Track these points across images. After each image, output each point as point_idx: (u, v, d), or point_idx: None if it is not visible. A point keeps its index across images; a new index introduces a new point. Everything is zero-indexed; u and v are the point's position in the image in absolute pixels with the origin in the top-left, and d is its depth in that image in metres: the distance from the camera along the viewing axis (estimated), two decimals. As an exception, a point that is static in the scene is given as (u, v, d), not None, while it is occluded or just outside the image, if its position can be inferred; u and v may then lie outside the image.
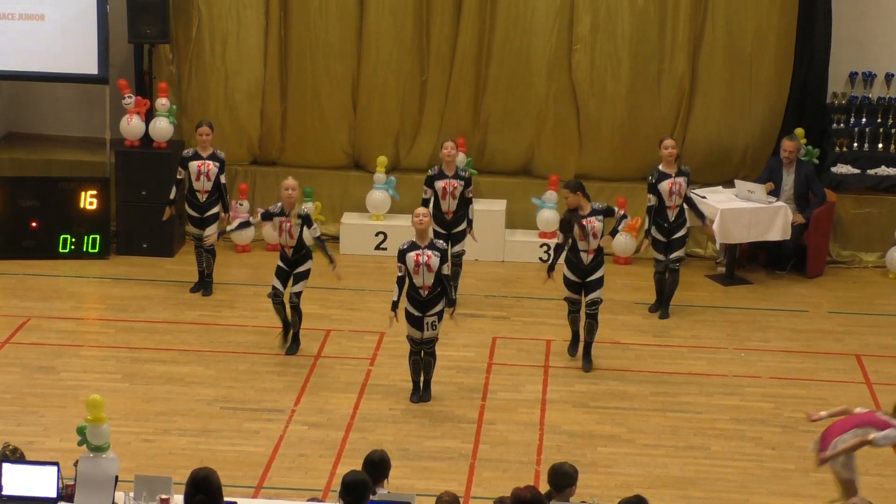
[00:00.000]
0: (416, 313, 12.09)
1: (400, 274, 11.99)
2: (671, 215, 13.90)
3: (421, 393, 12.27)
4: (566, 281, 12.84)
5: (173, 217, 14.79)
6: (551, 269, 12.81)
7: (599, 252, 12.75)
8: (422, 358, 12.21)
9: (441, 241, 12.15)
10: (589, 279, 12.77)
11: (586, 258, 12.68)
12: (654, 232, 14.02)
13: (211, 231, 14.25)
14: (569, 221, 12.62)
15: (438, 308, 12.04)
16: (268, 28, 16.06)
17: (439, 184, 13.82)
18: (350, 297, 14.40)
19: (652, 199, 13.90)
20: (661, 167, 13.90)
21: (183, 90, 16.26)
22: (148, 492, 8.41)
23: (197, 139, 14.22)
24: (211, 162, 14.12)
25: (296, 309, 13.01)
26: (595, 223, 12.61)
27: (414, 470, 10.90)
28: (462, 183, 13.84)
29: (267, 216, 12.94)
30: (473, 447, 11.46)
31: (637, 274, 14.27)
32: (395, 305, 12.02)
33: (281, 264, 12.97)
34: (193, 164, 14.14)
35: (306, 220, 12.80)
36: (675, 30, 15.79)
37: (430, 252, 11.90)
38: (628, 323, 14.04)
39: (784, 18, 15.76)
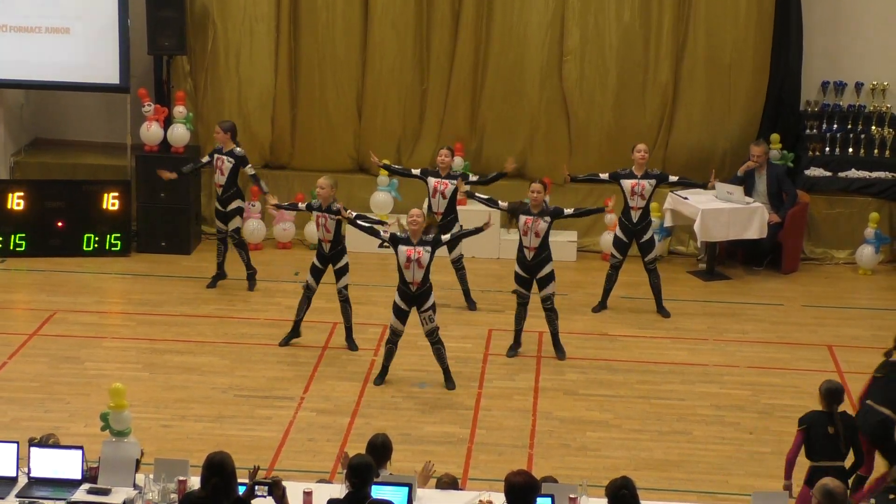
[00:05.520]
0: (405, 307, 12.07)
1: (382, 232, 12.04)
2: (634, 216, 13.75)
3: (445, 382, 12.24)
4: (516, 276, 12.78)
5: (173, 181, 14.61)
6: (470, 195, 13.20)
7: (543, 249, 12.58)
8: (432, 350, 12.21)
9: (430, 235, 11.94)
10: (538, 276, 12.70)
11: (529, 254, 12.61)
12: (617, 231, 13.92)
13: (235, 225, 14.29)
14: (514, 210, 12.57)
15: (429, 303, 12.03)
16: (278, 41, 16.04)
17: (432, 181, 13.70)
18: (355, 293, 14.33)
19: (605, 176, 13.73)
20: (632, 168, 13.83)
21: (199, 99, 16.24)
22: (167, 474, 8.42)
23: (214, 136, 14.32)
24: (226, 157, 14.10)
25: (346, 301, 12.93)
26: (540, 223, 12.46)
27: (415, 453, 10.88)
28: (453, 184, 13.64)
29: (310, 207, 12.83)
30: (471, 432, 11.45)
31: (624, 270, 14.20)
32: (356, 216, 12.33)
33: (316, 262, 12.88)
34: (215, 156, 14.17)
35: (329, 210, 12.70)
36: (659, 42, 15.78)
37: (421, 248, 11.86)
38: (615, 316, 14.02)
39: (760, 32, 15.75)
